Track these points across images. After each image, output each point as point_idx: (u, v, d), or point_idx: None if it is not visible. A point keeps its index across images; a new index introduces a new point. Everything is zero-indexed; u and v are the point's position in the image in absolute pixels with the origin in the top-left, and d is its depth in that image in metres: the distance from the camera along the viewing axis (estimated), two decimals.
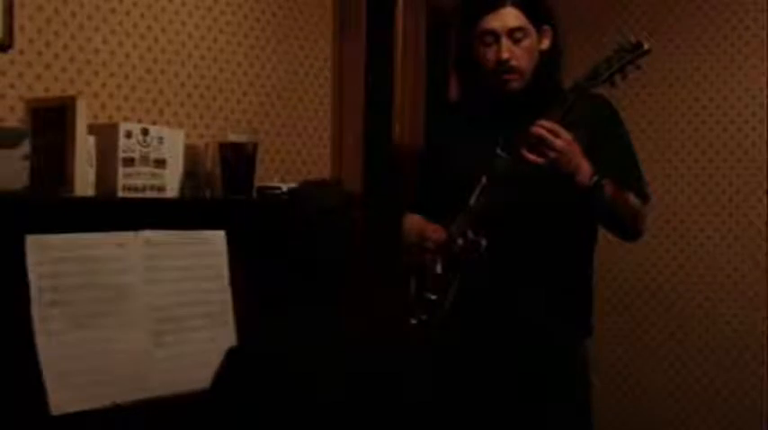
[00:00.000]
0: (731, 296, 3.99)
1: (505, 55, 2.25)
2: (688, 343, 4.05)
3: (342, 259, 1.69)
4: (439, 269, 2.28)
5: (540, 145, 2.12)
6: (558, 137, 2.12)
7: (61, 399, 1.71)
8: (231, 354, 1.61)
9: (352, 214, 1.72)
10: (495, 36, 2.26)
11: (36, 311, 1.72)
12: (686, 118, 4.05)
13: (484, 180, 2.23)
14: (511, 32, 2.25)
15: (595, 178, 2.17)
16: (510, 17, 2.26)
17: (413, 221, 2.43)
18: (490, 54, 2.28)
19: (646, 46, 2.13)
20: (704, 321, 4.03)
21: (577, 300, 2.39)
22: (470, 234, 2.23)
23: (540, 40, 2.31)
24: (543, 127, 2.12)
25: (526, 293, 2.30)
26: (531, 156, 2.13)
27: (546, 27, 2.32)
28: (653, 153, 3.95)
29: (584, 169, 2.16)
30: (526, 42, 2.27)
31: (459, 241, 2.25)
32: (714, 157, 4.01)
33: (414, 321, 2.31)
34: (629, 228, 2.37)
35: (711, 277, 4.02)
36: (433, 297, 2.28)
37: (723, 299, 4.00)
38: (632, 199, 2.30)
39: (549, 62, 2.33)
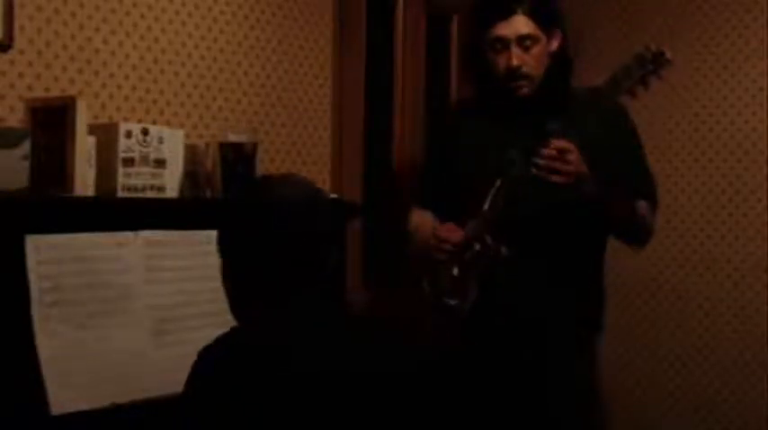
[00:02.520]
0: (731, 296, 3.98)
1: (515, 62, 2.26)
2: (688, 343, 4.04)
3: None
4: (456, 272, 2.27)
5: (552, 164, 2.12)
6: (569, 153, 2.12)
7: (61, 399, 1.71)
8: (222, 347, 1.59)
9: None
10: (505, 43, 2.27)
11: (36, 311, 1.72)
12: (686, 118, 4.05)
13: (498, 183, 2.23)
14: (521, 40, 2.26)
15: (595, 189, 2.18)
16: (520, 25, 2.26)
17: (422, 219, 2.42)
18: (501, 61, 2.28)
19: (667, 55, 2.11)
20: (704, 321, 4.03)
21: (590, 301, 2.39)
22: (489, 239, 2.22)
23: (549, 44, 2.31)
24: (555, 146, 2.12)
25: (541, 294, 2.30)
26: (543, 174, 2.13)
27: (556, 30, 2.32)
28: (653, 153, 3.91)
29: (589, 182, 2.17)
30: (536, 49, 2.27)
31: (477, 246, 2.24)
32: (714, 157, 4.01)
33: (433, 324, 2.31)
34: (637, 235, 2.38)
35: (711, 277, 4.02)
36: (453, 302, 2.27)
37: (723, 299, 4.00)
38: (642, 206, 2.31)
39: (559, 64, 2.34)
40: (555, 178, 2.12)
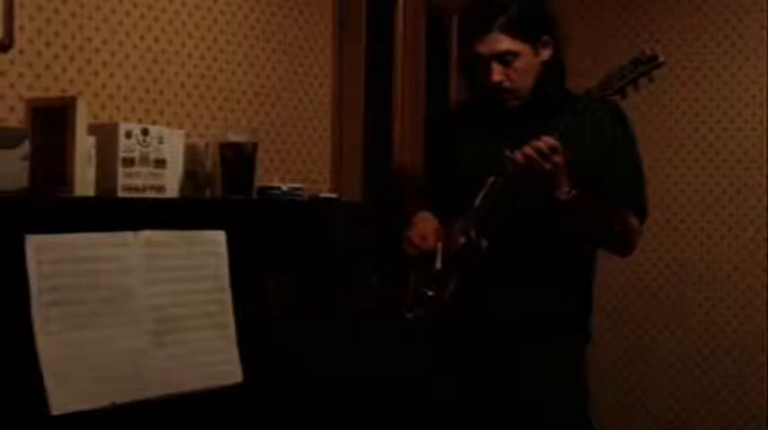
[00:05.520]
0: (731, 296, 3.99)
1: (496, 78, 2.26)
2: (688, 343, 4.05)
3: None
4: (439, 265, 2.29)
5: (536, 157, 2.13)
6: (555, 154, 2.12)
7: (61, 399, 1.71)
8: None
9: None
10: (486, 60, 2.27)
11: (36, 311, 1.72)
12: (686, 118, 4.05)
13: (491, 180, 2.23)
14: (500, 57, 2.25)
15: (573, 193, 2.17)
16: (496, 42, 2.25)
17: (418, 220, 2.43)
18: (485, 77, 2.29)
19: (661, 59, 2.12)
20: (704, 321, 4.03)
21: (576, 303, 2.39)
22: (473, 233, 2.24)
23: (538, 53, 2.30)
24: (545, 143, 2.12)
25: (524, 293, 2.31)
26: (522, 164, 2.14)
27: (545, 38, 2.31)
28: (653, 153, 3.95)
29: (564, 185, 2.17)
30: (519, 63, 2.26)
31: (461, 240, 2.25)
32: (714, 157, 4.01)
33: (410, 316, 2.31)
34: (614, 245, 2.38)
35: (711, 277, 4.02)
36: (431, 293, 2.29)
37: (723, 299, 4.00)
38: (625, 218, 2.30)
39: (552, 71, 2.33)
40: (535, 170, 2.13)
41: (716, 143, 4.00)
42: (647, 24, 4.07)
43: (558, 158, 2.12)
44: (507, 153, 2.18)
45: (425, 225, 2.37)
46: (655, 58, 2.13)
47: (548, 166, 2.12)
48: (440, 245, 2.30)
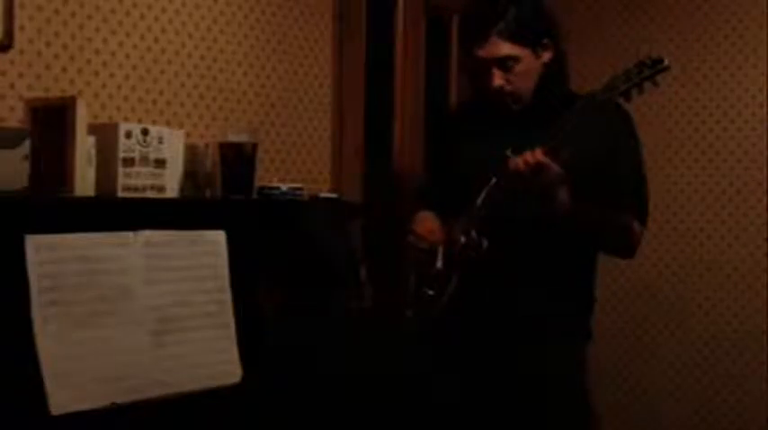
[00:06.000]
0: (731, 296, 3.99)
1: (497, 84, 2.26)
2: (688, 343, 4.04)
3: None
4: (440, 265, 2.30)
5: (530, 171, 2.13)
6: (548, 170, 2.12)
7: (61, 399, 1.71)
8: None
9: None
10: (486, 64, 2.27)
11: (36, 311, 1.72)
12: (686, 118, 4.05)
13: (492, 181, 2.23)
14: (500, 62, 2.25)
15: (571, 202, 2.17)
16: (496, 48, 2.25)
17: (420, 218, 2.43)
18: (485, 80, 2.29)
19: (666, 63, 2.13)
20: (704, 321, 4.03)
21: (576, 302, 2.39)
22: (473, 233, 2.24)
23: (538, 56, 2.30)
24: (537, 159, 2.11)
25: (524, 293, 2.31)
26: (519, 182, 2.14)
27: (545, 41, 2.31)
28: (653, 153, 3.94)
29: (561, 198, 2.17)
30: (519, 67, 2.26)
31: (462, 239, 2.26)
32: (714, 157, 4.01)
33: (410, 315, 2.32)
34: (615, 249, 2.39)
35: (711, 277, 4.02)
36: (431, 292, 2.29)
37: (723, 299, 4.00)
38: (626, 223, 2.30)
39: (553, 73, 2.33)
40: (522, 185, 2.13)
41: (716, 143, 4.00)
42: (647, 24, 4.07)
43: (544, 177, 2.11)
44: (508, 153, 2.18)
45: (427, 224, 2.37)
46: (660, 61, 2.13)
47: (531, 182, 2.12)
48: (441, 244, 2.31)
